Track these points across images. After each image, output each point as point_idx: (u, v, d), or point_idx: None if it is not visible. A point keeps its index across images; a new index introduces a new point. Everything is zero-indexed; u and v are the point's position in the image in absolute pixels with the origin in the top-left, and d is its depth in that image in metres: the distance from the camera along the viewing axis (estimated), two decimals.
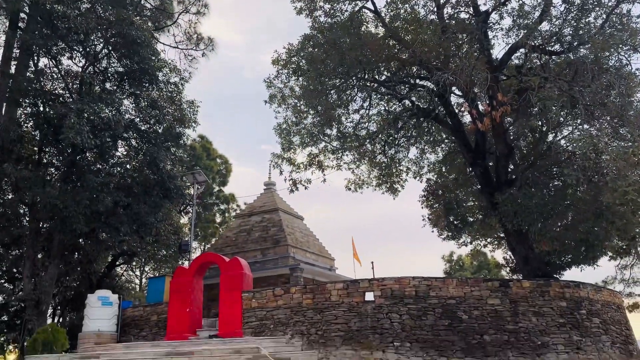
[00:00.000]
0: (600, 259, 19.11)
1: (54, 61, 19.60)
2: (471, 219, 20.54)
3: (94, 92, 18.65)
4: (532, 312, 13.08)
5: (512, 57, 16.26)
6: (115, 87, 19.89)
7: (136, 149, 20.37)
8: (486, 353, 12.36)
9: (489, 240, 23.31)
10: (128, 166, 20.51)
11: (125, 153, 20.97)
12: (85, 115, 16.74)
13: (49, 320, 21.48)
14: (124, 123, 18.74)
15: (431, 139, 20.29)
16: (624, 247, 25.90)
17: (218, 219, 38.40)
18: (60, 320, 23.71)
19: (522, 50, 15.68)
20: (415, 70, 17.52)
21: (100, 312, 16.64)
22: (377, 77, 17.28)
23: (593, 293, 13.98)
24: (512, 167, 18.09)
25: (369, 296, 13.47)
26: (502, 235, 21.05)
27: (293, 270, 22.96)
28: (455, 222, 20.14)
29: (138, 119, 20.30)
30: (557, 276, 19.00)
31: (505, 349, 12.46)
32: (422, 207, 20.89)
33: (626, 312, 15.88)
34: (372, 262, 20.80)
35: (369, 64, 15.92)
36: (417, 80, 17.77)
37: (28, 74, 19.33)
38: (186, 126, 20.68)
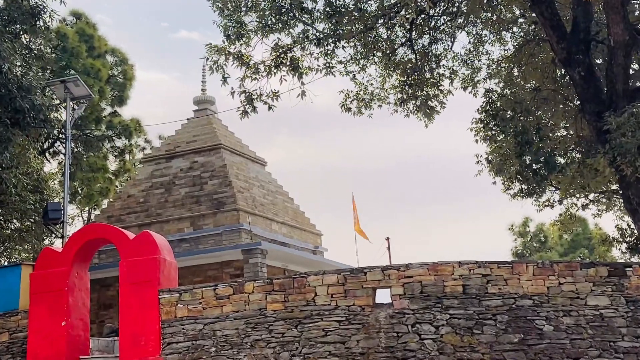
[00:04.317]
0: None
1: None
2: (562, 160, 20.70)
3: None
4: None
5: None
6: None
7: None
8: None
9: (591, 197, 23.62)
10: None
11: None
12: None
13: None
14: None
15: (494, 17, 20.12)
16: None
17: (113, 165, 38.23)
18: None
19: None
20: None
21: None
22: None
23: None
24: (635, 66, 18.10)
25: (383, 296, 13.67)
26: (615, 187, 21.32)
27: (249, 252, 23.19)
28: (534, 167, 20.32)
29: None
30: None
31: None
32: (477, 141, 21.02)
33: None
34: (388, 239, 21.05)
35: None
36: None
37: None
38: None
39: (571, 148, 20.76)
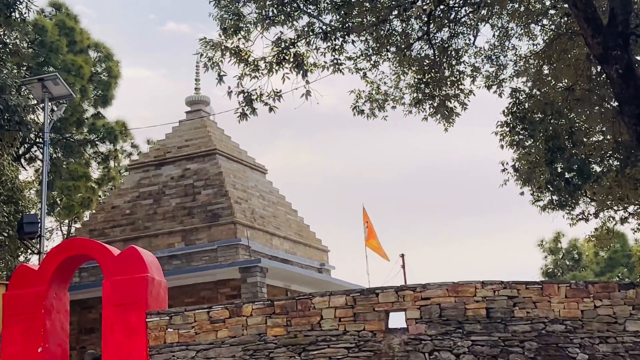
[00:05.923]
0: None
1: None
2: (597, 168, 20.61)
3: None
4: None
5: None
6: None
7: None
8: None
9: (631, 209, 23.52)
10: None
11: None
12: None
13: None
14: None
15: (522, 8, 20.11)
16: None
17: (96, 173, 38.27)
18: None
19: None
20: None
21: None
22: None
23: None
24: None
25: (397, 320, 13.63)
26: None
27: (248, 271, 23.14)
28: (566, 175, 20.27)
29: None
30: None
31: None
32: (502, 146, 20.97)
33: None
34: (403, 256, 20.98)
35: None
36: None
37: None
38: None
39: (608, 155, 20.66)
